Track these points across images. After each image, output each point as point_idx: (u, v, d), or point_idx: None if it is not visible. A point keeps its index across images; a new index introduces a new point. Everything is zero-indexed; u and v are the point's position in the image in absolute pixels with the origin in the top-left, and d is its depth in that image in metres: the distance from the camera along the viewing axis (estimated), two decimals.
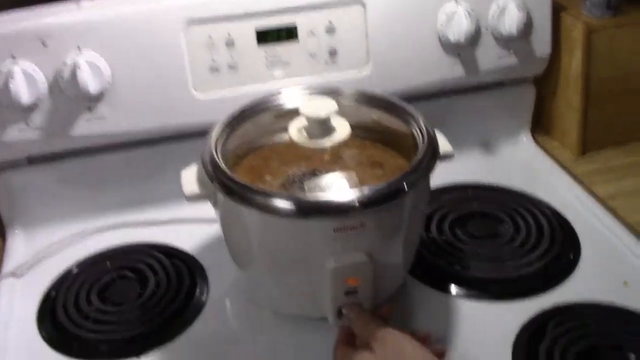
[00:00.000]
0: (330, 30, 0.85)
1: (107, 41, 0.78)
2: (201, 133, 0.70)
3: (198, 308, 0.74)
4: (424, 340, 0.61)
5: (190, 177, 0.68)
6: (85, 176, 0.86)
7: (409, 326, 0.69)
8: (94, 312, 0.73)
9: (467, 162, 0.95)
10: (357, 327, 0.63)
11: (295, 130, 0.69)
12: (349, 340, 0.64)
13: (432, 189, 0.70)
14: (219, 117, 0.71)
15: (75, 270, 0.80)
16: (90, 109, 0.80)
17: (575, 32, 0.92)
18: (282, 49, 0.84)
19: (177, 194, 0.69)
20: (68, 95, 0.78)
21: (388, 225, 0.64)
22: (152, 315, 0.72)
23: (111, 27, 0.78)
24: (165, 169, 0.86)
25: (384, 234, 0.64)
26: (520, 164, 0.97)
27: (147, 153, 0.87)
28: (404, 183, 0.61)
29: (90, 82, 0.76)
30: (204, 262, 0.80)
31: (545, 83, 0.99)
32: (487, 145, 0.99)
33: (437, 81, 0.90)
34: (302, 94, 0.75)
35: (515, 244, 0.79)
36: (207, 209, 0.69)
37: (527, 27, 0.89)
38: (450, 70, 0.89)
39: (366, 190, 0.59)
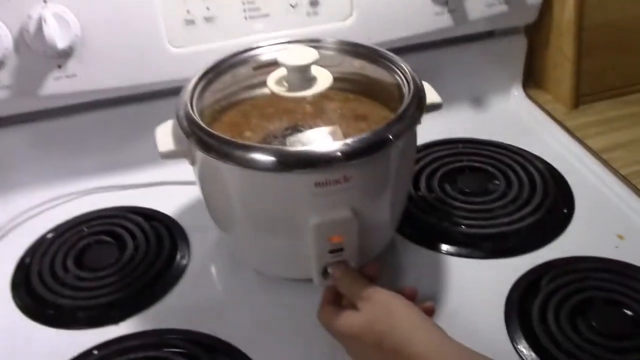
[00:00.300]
0: None
1: None
2: (177, 90, 0.66)
3: (179, 272, 0.72)
4: (411, 297, 0.59)
5: (165, 134, 0.65)
6: (59, 138, 0.82)
7: (397, 285, 0.67)
8: (70, 278, 0.70)
9: (457, 116, 0.92)
10: (343, 286, 0.60)
11: (275, 82, 0.66)
12: (335, 300, 0.61)
13: (420, 144, 0.67)
14: (197, 71, 0.67)
15: (50, 236, 0.76)
16: (60, 66, 0.76)
17: None
18: None
19: (155, 155, 0.65)
20: (35, 51, 0.74)
21: (373, 179, 0.60)
22: (131, 280, 0.70)
23: None
24: (142, 129, 0.81)
25: (370, 188, 0.61)
26: (512, 118, 0.94)
27: (122, 112, 0.83)
28: (390, 133, 0.58)
29: (57, 37, 0.72)
30: (185, 224, 0.78)
31: (537, 33, 0.96)
32: (477, 99, 0.96)
33: (424, 32, 0.86)
34: (281, 45, 0.71)
35: (507, 199, 0.77)
36: (187, 170, 0.66)
37: None
38: (438, 20, 0.85)
39: (349, 140, 0.56)
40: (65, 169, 0.83)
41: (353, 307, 0.58)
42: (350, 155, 0.56)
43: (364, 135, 0.57)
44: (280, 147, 0.59)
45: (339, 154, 0.55)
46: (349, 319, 0.57)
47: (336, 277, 0.61)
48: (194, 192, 0.78)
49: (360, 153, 0.56)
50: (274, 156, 0.56)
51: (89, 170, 0.84)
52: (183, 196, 0.80)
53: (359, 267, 0.63)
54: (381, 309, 0.55)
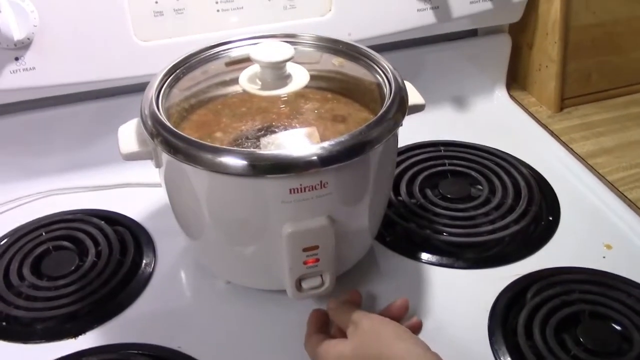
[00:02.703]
0: None
1: None
2: (144, 86, 0.62)
3: (144, 280, 0.67)
4: (397, 317, 0.58)
5: (128, 134, 0.60)
6: (16, 136, 0.77)
7: (376, 297, 0.64)
8: (26, 287, 0.66)
9: (439, 117, 0.89)
10: (334, 315, 0.58)
11: (247, 79, 0.62)
12: (322, 329, 0.59)
13: (400, 146, 0.64)
14: (164, 66, 0.63)
15: (5, 242, 0.71)
16: (17, 58, 0.70)
17: None
18: None
19: (119, 156, 0.61)
20: None
21: (352, 184, 0.57)
22: (92, 290, 0.65)
23: None
24: (106, 126, 0.77)
25: (347, 195, 0.57)
26: (495, 120, 0.91)
27: (85, 109, 0.79)
28: (370, 136, 0.54)
29: (13, 27, 0.67)
30: (151, 228, 0.73)
31: (521, 33, 0.93)
32: (459, 101, 0.93)
33: (406, 29, 0.82)
34: (255, 40, 0.67)
35: (491, 205, 0.73)
36: (154, 171, 0.61)
37: None
38: (420, 17, 0.82)
39: (326, 144, 0.52)
40: (22, 169, 0.79)
41: (341, 335, 0.56)
42: (327, 160, 0.52)
43: (342, 138, 0.53)
44: (251, 150, 0.55)
45: (315, 158, 0.52)
46: (338, 346, 0.54)
47: (330, 308, 0.59)
48: (161, 195, 0.73)
49: (338, 158, 0.52)
50: (245, 160, 0.52)
51: (49, 170, 0.79)
52: (149, 199, 0.76)
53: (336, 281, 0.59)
54: (368, 331, 0.53)
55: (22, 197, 0.77)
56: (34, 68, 0.71)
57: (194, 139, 0.54)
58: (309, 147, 0.52)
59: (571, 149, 0.83)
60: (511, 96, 0.94)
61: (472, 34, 0.91)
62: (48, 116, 0.78)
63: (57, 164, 0.80)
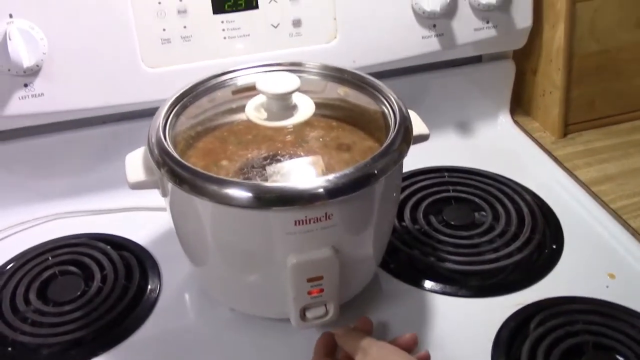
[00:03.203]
0: None
1: (43, 8, 0.70)
2: (151, 112, 0.63)
3: (149, 306, 0.68)
4: (408, 348, 0.58)
5: (135, 163, 0.61)
6: (24, 160, 0.78)
7: (380, 325, 0.64)
8: (32, 312, 0.66)
9: (442, 143, 0.89)
10: (343, 342, 0.58)
11: (254, 109, 0.62)
12: (328, 355, 0.59)
13: (404, 172, 0.64)
14: (171, 94, 0.64)
15: (11, 266, 0.72)
16: (26, 84, 0.71)
17: (557, 3, 0.86)
18: (241, 18, 0.76)
19: (125, 180, 0.61)
20: None
21: (356, 215, 0.57)
22: (97, 316, 0.65)
23: None
24: (113, 151, 0.79)
25: (352, 225, 0.57)
26: (499, 146, 0.91)
27: (92, 134, 0.79)
28: (375, 168, 0.54)
29: (23, 54, 0.68)
30: (156, 253, 0.74)
31: (525, 59, 0.93)
32: (463, 126, 0.93)
33: (411, 55, 0.83)
34: (262, 68, 0.68)
35: (495, 233, 0.74)
36: (158, 195, 0.62)
37: None
38: (425, 44, 0.83)
39: (332, 176, 0.53)
40: (29, 192, 0.79)
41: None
42: (332, 193, 0.52)
43: (347, 170, 0.54)
44: (257, 182, 0.55)
45: (320, 191, 0.52)
46: None
47: (338, 335, 0.59)
48: (167, 219, 0.74)
49: (344, 190, 0.53)
50: (251, 192, 0.52)
51: (55, 194, 0.80)
52: (155, 223, 0.76)
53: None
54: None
55: (28, 221, 0.78)
56: (42, 94, 0.72)
57: (200, 170, 0.55)
58: (315, 180, 0.53)
59: (575, 175, 0.83)
60: (515, 121, 0.95)
61: (476, 59, 0.91)
62: (55, 141, 0.78)
63: (63, 187, 0.80)
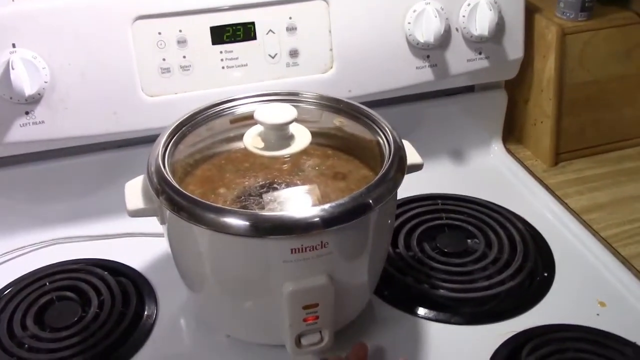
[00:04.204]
0: (291, 28, 0.79)
1: (46, 38, 0.71)
2: (150, 139, 0.64)
3: (146, 332, 0.68)
4: None
5: (134, 190, 0.62)
6: (21, 186, 0.79)
7: (374, 352, 0.64)
8: (29, 338, 0.66)
9: (436, 171, 0.90)
10: None
11: (251, 138, 0.64)
12: None
13: (399, 199, 0.65)
14: (170, 122, 0.65)
15: (9, 291, 0.72)
16: (27, 112, 0.73)
17: (548, 35, 0.88)
18: (239, 48, 0.78)
19: (123, 206, 0.62)
20: (1, 97, 0.71)
21: (352, 244, 0.58)
22: (94, 342, 0.66)
23: (50, 23, 0.71)
24: (111, 177, 0.80)
25: (347, 254, 0.58)
26: (492, 174, 0.93)
27: (91, 161, 0.80)
28: (370, 198, 0.56)
29: (25, 83, 0.69)
30: (153, 279, 0.74)
31: (517, 89, 0.95)
32: (456, 154, 0.95)
33: (405, 85, 0.85)
34: (259, 98, 0.70)
35: (487, 260, 0.75)
36: (157, 222, 0.63)
37: (499, 27, 0.85)
38: (419, 74, 0.84)
39: (327, 206, 0.54)
40: (29, 218, 0.80)
41: None
42: (328, 222, 0.54)
43: (342, 200, 0.55)
44: (254, 211, 0.56)
45: (316, 220, 0.53)
46: None
47: None
48: (164, 245, 0.74)
49: (339, 219, 0.54)
50: (248, 221, 0.53)
51: (54, 220, 0.80)
52: (152, 249, 0.77)
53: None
54: None
55: (26, 246, 0.79)
56: (43, 122, 0.73)
57: (198, 198, 0.56)
58: (311, 209, 0.54)
59: (566, 203, 0.85)
60: (507, 149, 0.96)
61: (469, 89, 0.93)
62: (54, 167, 0.79)
63: (61, 213, 0.81)
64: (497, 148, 0.96)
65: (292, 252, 0.54)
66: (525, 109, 0.95)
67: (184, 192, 0.56)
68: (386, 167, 0.59)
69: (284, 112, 0.62)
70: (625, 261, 0.75)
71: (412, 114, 0.90)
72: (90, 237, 0.80)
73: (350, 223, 0.55)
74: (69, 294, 0.71)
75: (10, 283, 0.73)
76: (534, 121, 0.94)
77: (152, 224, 0.65)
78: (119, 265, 0.76)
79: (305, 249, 0.54)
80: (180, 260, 0.63)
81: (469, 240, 0.78)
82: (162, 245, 0.75)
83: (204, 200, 0.55)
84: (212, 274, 0.60)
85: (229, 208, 0.55)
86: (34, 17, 0.70)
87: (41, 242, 0.79)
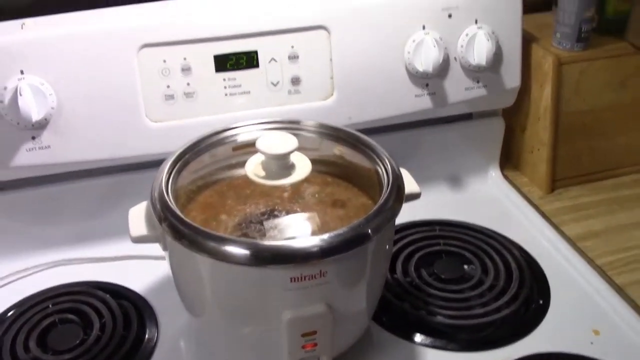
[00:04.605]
0: (293, 56, 0.81)
1: (53, 65, 0.73)
2: (154, 164, 0.66)
3: (147, 355, 0.69)
4: None
5: (138, 217, 0.63)
6: (25, 209, 0.80)
7: None
8: None
9: (434, 197, 0.92)
10: None
11: (253, 167, 0.65)
12: None
13: (397, 225, 0.67)
14: (174, 148, 0.66)
15: (12, 313, 0.73)
16: (33, 137, 0.74)
17: (545, 65, 0.90)
18: (242, 76, 0.79)
19: (126, 229, 0.64)
20: (9, 122, 0.72)
21: (350, 272, 0.59)
22: None
23: (57, 50, 0.73)
24: (114, 201, 0.81)
25: (346, 282, 0.59)
26: (489, 200, 0.94)
27: (94, 184, 0.82)
28: (368, 228, 0.57)
29: (32, 109, 0.71)
30: (155, 303, 0.75)
31: (514, 116, 0.97)
32: (454, 180, 0.96)
33: (404, 112, 0.86)
34: (261, 125, 0.71)
35: (484, 287, 0.76)
36: (157, 244, 0.64)
37: (497, 57, 0.86)
38: (418, 102, 0.86)
39: (326, 236, 0.55)
40: (32, 240, 0.81)
41: None
42: (327, 252, 0.55)
43: (341, 230, 0.56)
44: (255, 241, 0.57)
45: (316, 249, 0.54)
46: None
47: None
48: (165, 268, 0.76)
49: (338, 249, 0.55)
50: (249, 250, 0.54)
51: (58, 242, 0.82)
52: (153, 272, 0.78)
53: None
54: None
55: (30, 268, 0.80)
56: (49, 146, 0.75)
57: (199, 226, 0.57)
58: (310, 239, 0.55)
59: (561, 230, 0.86)
60: (505, 176, 0.98)
61: (467, 116, 0.94)
62: (58, 190, 0.80)
63: (65, 235, 0.82)
64: (494, 174, 0.98)
65: (291, 281, 0.55)
66: (522, 137, 0.97)
67: (186, 219, 0.58)
68: (385, 196, 0.61)
69: (285, 142, 0.63)
70: (619, 289, 0.76)
71: (411, 140, 0.92)
72: (93, 259, 0.81)
73: (349, 252, 0.56)
74: (71, 316, 0.72)
75: (13, 305, 0.74)
76: (530, 148, 0.95)
77: (154, 246, 0.66)
78: (120, 288, 0.77)
79: (305, 277, 0.55)
80: (181, 285, 0.65)
81: (465, 266, 0.79)
82: (163, 268, 0.76)
83: (205, 229, 0.57)
84: (213, 300, 0.61)
85: (230, 237, 0.57)
86: (42, 45, 0.72)
87: (44, 264, 0.80)
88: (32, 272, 0.80)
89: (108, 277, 0.78)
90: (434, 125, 0.93)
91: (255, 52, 0.79)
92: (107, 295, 0.75)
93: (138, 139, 0.77)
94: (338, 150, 0.71)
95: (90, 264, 0.81)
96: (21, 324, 0.71)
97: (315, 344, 0.59)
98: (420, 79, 0.85)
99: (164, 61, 0.77)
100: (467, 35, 0.85)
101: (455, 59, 0.86)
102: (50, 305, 0.73)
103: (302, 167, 0.65)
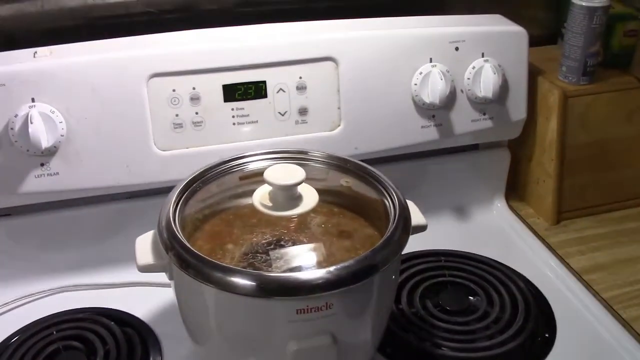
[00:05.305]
0: (301, 87, 0.81)
1: (64, 93, 0.74)
2: (162, 192, 0.66)
3: None
4: None
5: (145, 246, 0.63)
6: (32, 234, 0.81)
7: None
8: None
9: (440, 227, 0.92)
10: None
11: (260, 197, 0.65)
12: None
13: (402, 255, 0.66)
14: (182, 176, 0.67)
15: (16, 339, 0.73)
16: (42, 164, 0.75)
17: (551, 98, 0.91)
18: (250, 106, 0.80)
19: (131, 256, 0.64)
20: (18, 149, 0.73)
21: (356, 304, 0.59)
22: None
23: (68, 79, 0.74)
24: (120, 228, 0.82)
25: (352, 314, 0.59)
26: (494, 231, 0.94)
27: (100, 211, 0.82)
28: (375, 260, 0.57)
29: (42, 136, 0.71)
30: (159, 330, 0.75)
31: (520, 148, 0.97)
32: (460, 211, 0.96)
33: (410, 143, 0.87)
34: (269, 155, 0.72)
35: (489, 319, 0.75)
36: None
37: (503, 90, 0.87)
38: (424, 133, 0.86)
39: (333, 268, 0.55)
40: (37, 266, 0.81)
41: None
42: (334, 284, 0.55)
43: (348, 262, 0.56)
44: (261, 272, 0.57)
45: (322, 282, 0.54)
46: None
47: None
48: (170, 295, 0.76)
49: (344, 282, 0.55)
50: (255, 281, 0.54)
51: (63, 268, 0.82)
52: (158, 299, 0.78)
53: None
54: None
55: (35, 293, 0.80)
56: (57, 173, 0.75)
57: (206, 257, 0.57)
58: (317, 272, 0.55)
59: (567, 263, 0.86)
60: (510, 207, 0.98)
61: (473, 147, 0.95)
62: (64, 216, 0.81)
63: (71, 261, 0.82)
64: (500, 205, 0.98)
65: (297, 313, 0.55)
66: (528, 168, 0.97)
67: (193, 249, 0.58)
68: (391, 229, 0.61)
69: (292, 174, 0.64)
70: (625, 324, 0.76)
71: (417, 170, 0.92)
72: (98, 285, 0.81)
73: (356, 285, 0.56)
74: (75, 343, 0.72)
75: (17, 331, 0.74)
76: (536, 180, 0.95)
77: (159, 274, 0.66)
78: (125, 315, 0.77)
79: (311, 309, 0.55)
80: (186, 313, 0.64)
81: (471, 298, 0.79)
82: (168, 295, 0.76)
83: (212, 259, 0.57)
84: (217, 330, 0.61)
85: (236, 268, 0.57)
86: (54, 73, 0.73)
87: (50, 290, 0.80)
88: (37, 297, 0.80)
89: (113, 304, 0.78)
90: (440, 156, 0.93)
91: (264, 82, 0.80)
92: (112, 323, 0.75)
93: (146, 167, 0.78)
94: (345, 181, 0.71)
95: (95, 290, 0.81)
96: (25, 350, 0.71)
97: None
98: (427, 111, 0.86)
99: (173, 90, 0.77)
100: (473, 68, 0.85)
101: (461, 91, 0.87)
102: (54, 332, 0.73)
103: (309, 198, 0.65)
